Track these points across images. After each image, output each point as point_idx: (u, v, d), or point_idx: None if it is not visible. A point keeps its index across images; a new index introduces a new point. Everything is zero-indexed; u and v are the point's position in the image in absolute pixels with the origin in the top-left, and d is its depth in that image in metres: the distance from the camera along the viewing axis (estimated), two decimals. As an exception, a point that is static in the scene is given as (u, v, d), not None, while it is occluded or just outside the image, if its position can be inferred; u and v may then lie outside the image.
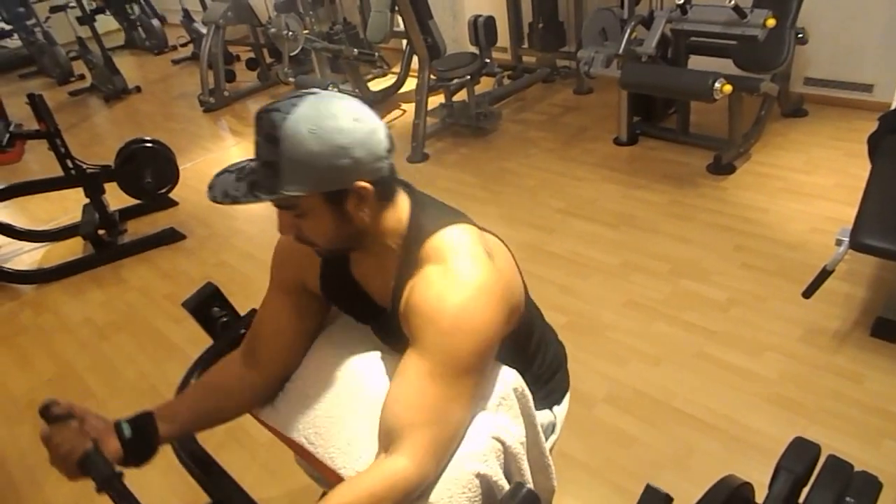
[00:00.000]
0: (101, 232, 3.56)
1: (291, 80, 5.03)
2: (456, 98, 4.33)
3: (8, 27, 7.91)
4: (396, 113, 4.91)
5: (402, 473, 0.86)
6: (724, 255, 2.69)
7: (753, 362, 2.14)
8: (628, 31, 3.21)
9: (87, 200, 3.55)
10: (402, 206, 1.02)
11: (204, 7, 6.63)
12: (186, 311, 1.34)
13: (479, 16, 4.22)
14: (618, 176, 3.48)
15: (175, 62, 7.47)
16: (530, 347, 1.21)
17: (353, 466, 0.99)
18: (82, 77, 7.22)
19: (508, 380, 1.03)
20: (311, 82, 4.88)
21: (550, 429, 1.32)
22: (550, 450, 1.36)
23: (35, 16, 7.45)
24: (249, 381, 1.13)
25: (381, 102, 5.12)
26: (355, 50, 4.64)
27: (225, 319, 1.36)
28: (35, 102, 3.25)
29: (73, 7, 6.71)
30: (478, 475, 0.93)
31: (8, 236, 3.67)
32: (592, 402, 2.10)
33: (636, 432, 1.97)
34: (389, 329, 1.07)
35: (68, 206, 3.95)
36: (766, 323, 2.29)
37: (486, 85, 4.66)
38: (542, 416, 1.29)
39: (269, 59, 6.24)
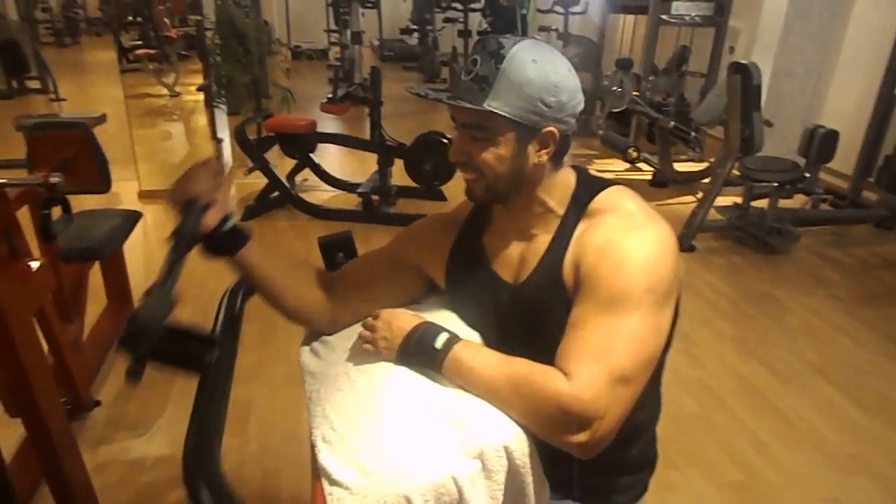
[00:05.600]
0: (374, 197, 4.02)
1: (601, 132, 5.04)
2: (755, 203, 3.86)
3: (413, 27, 9.49)
4: (687, 198, 4.57)
5: (558, 384, 0.84)
6: None
7: None
8: None
9: (376, 167, 4.05)
10: (569, 170, 1.04)
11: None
12: (318, 245, 1.41)
13: (821, 127, 3.69)
14: (912, 360, 2.71)
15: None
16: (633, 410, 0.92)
17: (322, 432, 0.92)
18: (444, 80, 8.28)
19: (501, 433, 0.85)
20: (614, 139, 4.83)
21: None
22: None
23: (433, 23, 8.80)
24: (320, 302, 1.12)
25: (679, 183, 4.84)
26: (672, 122, 4.45)
27: (346, 268, 1.39)
28: (373, 74, 3.81)
29: (460, 22, 7.75)
30: (407, 502, 0.79)
31: (314, 173, 4.38)
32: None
33: None
34: (512, 302, 1.03)
35: (366, 168, 4.54)
36: None
37: (795, 202, 4.07)
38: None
39: (598, 114, 6.36)
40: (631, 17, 6.97)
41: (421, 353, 0.95)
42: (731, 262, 3.63)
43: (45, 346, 1.84)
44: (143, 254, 3.47)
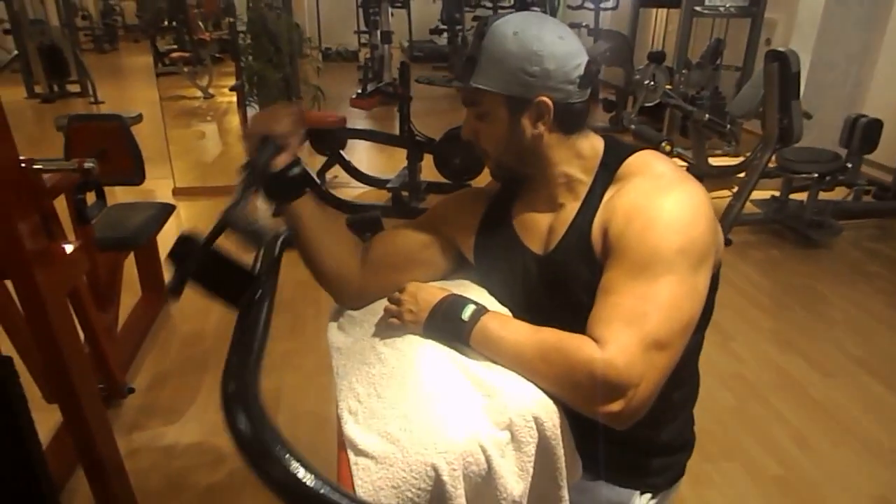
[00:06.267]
0: (404, 192, 4.01)
1: (632, 127, 4.96)
2: (793, 196, 3.75)
3: (443, 27, 9.48)
4: (722, 192, 4.46)
5: (590, 351, 0.81)
6: None
7: None
8: None
9: (405, 163, 4.04)
10: (596, 138, 1.02)
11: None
12: (347, 224, 1.40)
13: (864, 116, 3.57)
14: (964, 355, 2.60)
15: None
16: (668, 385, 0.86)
17: (348, 404, 0.91)
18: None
19: (531, 404, 0.82)
20: (647, 134, 4.75)
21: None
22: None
23: (462, 22, 8.77)
24: (354, 270, 1.10)
25: (714, 177, 4.73)
26: (706, 115, 4.36)
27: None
28: (402, 70, 3.81)
29: (489, 20, 7.71)
30: (434, 470, 0.77)
31: (343, 169, 4.40)
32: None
33: None
34: (541, 273, 1.02)
35: (395, 164, 4.54)
36: None
37: (836, 194, 3.94)
38: (614, 495, 1.04)
39: (630, 109, 6.26)
40: (663, 11, 6.86)
41: (448, 325, 0.93)
42: (769, 255, 3.54)
43: (82, 334, 1.88)
44: (176, 248, 3.52)
